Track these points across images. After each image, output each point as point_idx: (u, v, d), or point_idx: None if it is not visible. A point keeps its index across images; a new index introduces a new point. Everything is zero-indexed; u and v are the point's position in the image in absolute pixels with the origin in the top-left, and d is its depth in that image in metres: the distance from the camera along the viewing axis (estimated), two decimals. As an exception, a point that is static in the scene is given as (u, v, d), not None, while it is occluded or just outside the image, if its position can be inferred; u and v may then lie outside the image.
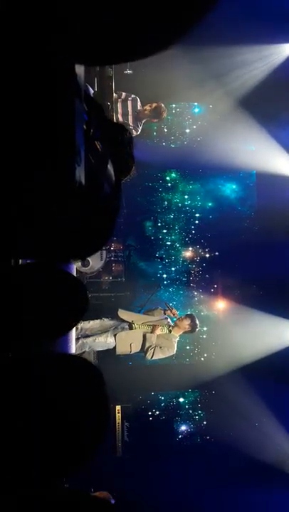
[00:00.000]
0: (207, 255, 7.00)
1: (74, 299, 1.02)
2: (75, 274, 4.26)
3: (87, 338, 4.96)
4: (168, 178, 7.03)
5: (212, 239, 6.92)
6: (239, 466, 6.13)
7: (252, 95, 6.66)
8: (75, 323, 1.05)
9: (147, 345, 4.97)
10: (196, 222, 7.06)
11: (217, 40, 5.84)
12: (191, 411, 6.65)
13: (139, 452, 5.89)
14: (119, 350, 5.03)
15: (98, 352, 5.19)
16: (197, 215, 7.06)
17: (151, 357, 4.98)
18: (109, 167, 0.72)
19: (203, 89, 6.48)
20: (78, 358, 0.95)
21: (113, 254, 5.90)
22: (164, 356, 5.07)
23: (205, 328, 6.73)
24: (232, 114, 6.70)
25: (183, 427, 6.60)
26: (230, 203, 7.05)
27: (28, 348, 0.95)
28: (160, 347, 5.00)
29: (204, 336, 6.80)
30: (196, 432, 6.61)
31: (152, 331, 5.02)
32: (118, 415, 5.63)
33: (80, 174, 0.57)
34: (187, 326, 5.11)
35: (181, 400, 6.67)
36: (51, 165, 0.57)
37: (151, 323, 5.10)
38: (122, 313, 5.17)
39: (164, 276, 6.96)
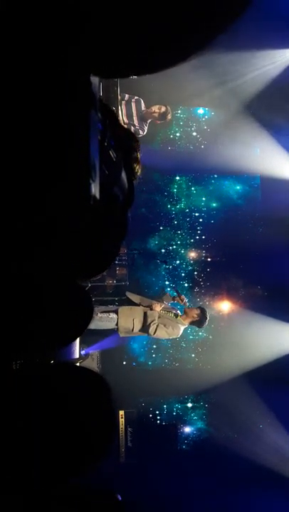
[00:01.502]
0: (211, 259, 6.98)
1: (81, 308, 1.01)
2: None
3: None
4: (173, 182, 7.03)
5: (216, 242, 6.90)
6: (243, 472, 6.09)
7: (257, 99, 6.66)
8: (82, 331, 1.04)
9: (149, 320, 4.88)
10: (201, 225, 7.04)
11: (223, 45, 5.85)
12: (194, 416, 6.62)
13: (142, 457, 5.87)
14: (121, 327, 4.92)
15: (102, 356, 5.18)
16: (201, 219, 7.05)
17: (154, 332, 4.87)
18: (123, 175, 0.71)
19: (209, 93, 6.49)
20: (86, 369, 0.94)
21: (117, 257, 5.89)
22: (167, 336, 4.97)
23: (210, 336, 6.70)
24: (237, 117, 6.70)
25: (186, 433, 6.57)
26: (235, 206, 7.03)
27: (34, 357, 0.95)
28: (164, 324, 4.89)
29: (208, 341, 6.78)
30: (199, 437, 6.57)
31: (152, 308, 4.95)
32: (121, 420, 5.61)
33: (95, 190, 0.56)
34: (196, 316, 5.00)
35: (185, 405, 6.64)
36: (65, 182, 0.56)
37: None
38: (131, 295, 5.15)
39: (168, 279, 6.94)
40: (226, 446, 6.17)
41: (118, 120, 0.69)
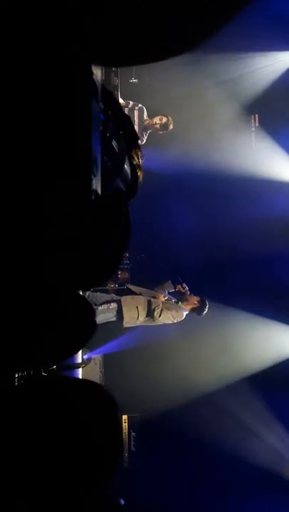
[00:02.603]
0: (208, 263, 6.94)
1: (87, 318, 1.00)
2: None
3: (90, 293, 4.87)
4: (171, 186, 6.99)
5: (214, 247, 6.87)
6: (248, 477, 6.06)
7: (258, 103, 6.67)
8: (87, 341, 1.03)
9: (153, 306, 4.98)
10: (197, 229, 6.99)
11: (223, 48, 5.87)
12: (198, 420, 6.58)
13: (145, 462, 5.84)
14: (126, 316, 4.93)
15: (105, 361, 5.18)
16: (200, 221, 7.01)
17: (160, 316, 4.96)
18: (126, 166, 0.70)
19: (209, 98, 6.49)
20: (90, 382, 0.93)
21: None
22: (172, 319, 5.07)
23: (211, 339, 6.67)
24: (238, 122, 6.71)
25: (191, 437, 6.53)
26: (233, 209, 6.99)
27: (39, 367, 0.93)
28: (168, 309, 5.03)
29: (208, 344, 6.75)
30: (203, 441, 6.53)
31: (155, 297, 5.09)
32: (125, 425, 5.59)
33: (97, 185, 0.55)
34: (196, 302, 5.17)
35: (189, 409, 6.60)
36: (66, 176, 0.55)
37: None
38: (132, 286, 5.26)
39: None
40: (229, 452, 6.14)
41: (120, 108, 0.68)
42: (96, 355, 5.68)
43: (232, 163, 6.60)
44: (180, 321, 5.21)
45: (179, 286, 5.27)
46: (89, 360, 5.36)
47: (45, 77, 0.53)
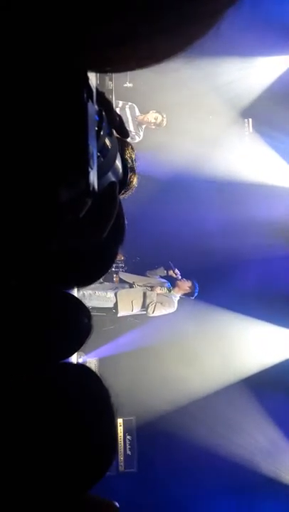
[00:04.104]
0: (204, 266, 6.96)
1: (83, 319, 1.00)
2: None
3: (88, 290, 5.02)
4: (165, 191, 7.01)
5: (211, 249, 6.89)
6: (245, 480, 6.06)
7: (252, 106, 6.71)
8: (83, 343, 1.03)
9: (148, 301, 5.20)
10: (193, 233, 7.01)
11: (218, 51, 5.91)
12: (194, 423, 6.57)
13: (141, 466, 5.83)
14: (120, 309, 5.16)
15: (100, 364, 5.20)
16: (199, 224, 7.03)
17: (153, 312, 5.21)
18: (118, 161, 0.74)
19: (204, 101, 6.53)
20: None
21: (114, 265, 5.89)
22: (165, 312, 5.30)
23: (206, 342, 6.68)
24: (232, 126, 6.75)
25: (187, 441, 6.52)
26: (227, 213, 7.02)
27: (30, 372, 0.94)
28: (161, 303, 5.22)
29: (204, 347, 6.76)
30: (200, 444, 6.53)
31: (152, 290, 5.27)
32: (120, 428, 5.58)
33: (94, 178, 0.59)
34: (187, 288, 5.40)
35: (184, 412, 6.60)
36: (64, 170, 0.58)
37: (151, 285, 5.34)
38: (124, 275, 5.40)
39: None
40: (225, 455, 6.14)
41: (113, 109, 0.72)
42: (91, 359, 5.68)
43: (226, 168, 6.63)
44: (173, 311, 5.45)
45: (171, 271, 5.42)
46: (84, 363, 5.35)
47: (47, 83, 0.57)
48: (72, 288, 1.04)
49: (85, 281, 0.97)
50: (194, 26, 0.50)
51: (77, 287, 1.10)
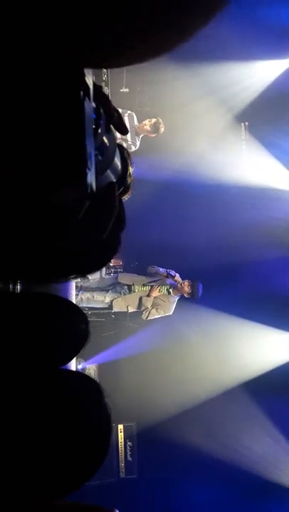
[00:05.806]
0: (204, 270, 6.95)
1: (80, 325, 1.00)
2: (74, 289, 4.32)
3: (86, 294, 5.19)
4: (163, 195, 7.01)
5: (208, 254, 6.89)
6: (247, 484, 6.03)
7: (251, 110, 6.73)
8: (81, 349, 1.03)
9: (143, 308, 5.29)
10: (190, 237, 7.00)
11: (214, 56, 5.93)
12: (195, 429, 6.54)
13: (142, 472, 5.79)
14: (116, 309, 5.34)
15: (100, 370, 5.20)
16: (190, 231, 7.02)
17: (146, 317, 5.30)
18: (116, 159, 0.73)
19: (201, 106, 6.54)
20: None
21: (112, 270, 5.88)
22: (159, 316, 5.34)
23: (207, 347, 6.66)
24: (228, 129, 6.76)
25: (188, 446, 6.48)
26: (225, 216, 7.02)
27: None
28: (156, 308, 5.29)
29: (205, 352, 6.75)
30: (200, 450, 6.50)
31: (149, 294, 5.28)
32: (120, 434, 5.55)
33: (92, 179, 0.59)
34: (187, 290, 5.35)
35: (185, 418, 6.57)
36: (62, 172, 0.58)
37: (151, 284, 5.35)
38: (123, 278, 5.43)
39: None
40: (227, 459, 6.11)
41: (111, 105, 0.72)
42: (91, 365, 5.65)
43: (223, 171, 6.64)
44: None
45: (171, 277, 5.46)
46: (83, 370, 5.33)
47: (46, 82, 0.57)
48: (76, 279, 1.03)
49: (89, 270, 0.97)
50: (184, 28, 0.50)
51: (81, 277, 1.10)
